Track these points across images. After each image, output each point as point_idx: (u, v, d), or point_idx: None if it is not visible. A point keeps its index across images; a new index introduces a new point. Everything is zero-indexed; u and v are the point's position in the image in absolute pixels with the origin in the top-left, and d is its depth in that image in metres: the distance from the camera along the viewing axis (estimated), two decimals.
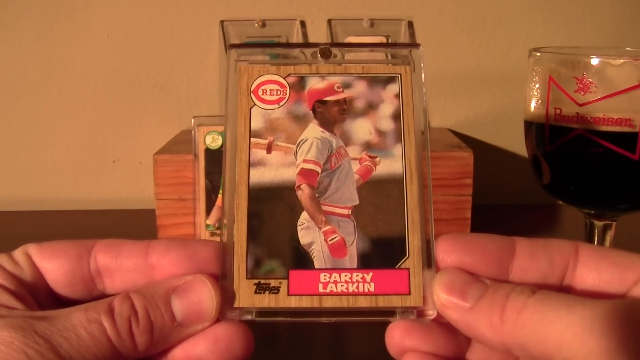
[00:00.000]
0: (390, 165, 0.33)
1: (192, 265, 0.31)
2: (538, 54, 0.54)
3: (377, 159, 0.33)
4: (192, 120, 0.67)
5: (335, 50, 0.35)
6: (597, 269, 0.30)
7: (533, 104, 0.54)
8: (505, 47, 0.81)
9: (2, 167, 0.81)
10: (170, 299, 0.29)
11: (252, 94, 0.33)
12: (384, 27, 0.79)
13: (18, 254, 0.32)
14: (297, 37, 0.79)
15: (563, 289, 0.31)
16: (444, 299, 0.29)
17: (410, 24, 0.80)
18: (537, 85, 0.53)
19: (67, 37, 0.79)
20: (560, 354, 0.26)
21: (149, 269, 0.31)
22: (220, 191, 0.66)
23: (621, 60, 0.50)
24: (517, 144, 0.80)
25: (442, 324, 0.31)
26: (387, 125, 0.34)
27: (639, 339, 0.24)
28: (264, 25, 0.79)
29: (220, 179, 0.65)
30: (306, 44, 0.36)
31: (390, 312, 0.31)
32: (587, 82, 0.50)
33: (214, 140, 0.66)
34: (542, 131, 0.52)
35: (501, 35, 0.81)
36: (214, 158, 0.66)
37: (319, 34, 0.79)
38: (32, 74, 0.80)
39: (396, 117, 0.34)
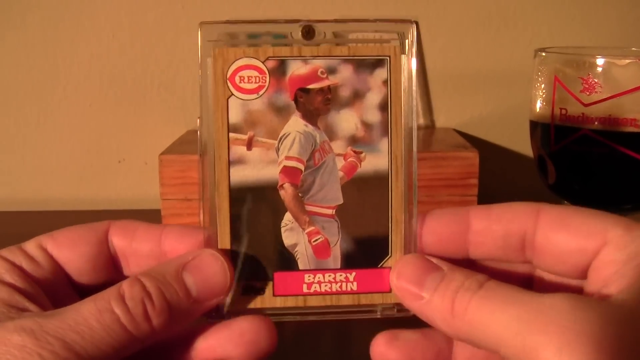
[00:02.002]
0: (375, 161, 0.31)
1: None
2: (543, 54, 0.54)
3: (363, 155, 0.31)
4: (198, 120, 0.67)
5: (322, 28, 0.33)
6: (556, 240, 0.29)
7: (538, 104, 0.54)
8: (511, 47, 0.81)
9: (7, 167, 0.82)
10: (182, 276, 0.29)
11: (228, 81, 0.31)
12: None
13: (32, 248, 0.31)
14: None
15: (525, 261, 0.31)
16: (401, 288, 0.29)
17: (415, 24, 0.80)
18: (543, 86, 0.53)
19: (72, 37, 0.79)
20: (501, 352, 0.26)
21: (163, 255, 0.31)
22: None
23: (627, 61, 0.50)
24: (522, 144, 0.80)
25: (424, 330, 0.31)
26: (374, 117, 0.32)
27: (573, 338, 0.23)
28: None
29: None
30: (287, 20, 0.35)
31: (372, 310, 0.31)
32: (593, 82, 0.50)
33: None
34: (547, 131, 0.52)
35: (506, 35, 0.81)
36: None
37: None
38: (37, 74, 0.80)
39: (383, 107, 0.31)
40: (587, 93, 0.50)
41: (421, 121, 0.81)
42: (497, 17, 0.80)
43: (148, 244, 0.31)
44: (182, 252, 0.30)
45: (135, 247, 0.32)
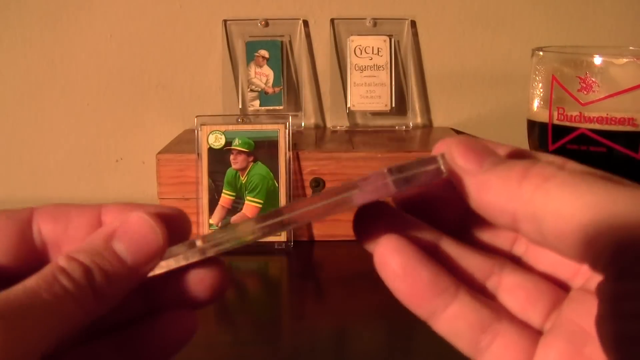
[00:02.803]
0: None
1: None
2: (541, 53, 0.54)
3: None
4: (195, 119, 0.67)
5: None
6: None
7: (536, 103, 0.54)
8: (508, 47, 0.81)
9: (4, 167, 0.82)
10: (112, 245, 0.27)
11: None
12: (386, 27, 0.79)
13: None
14: (300, 37, 0.79)
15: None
16: (458, 159, 0.26)
17: (413, 24, 0.80)
18: (540, 85, 0.53)
19: (70, 37, 0.79)
20: (579, 236, 0.23)
21: None
22: (226, 191, 0.66)
23: (624, 60, 0.50)
24: (520, 143, 0.80)
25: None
26: None
27: None
28: (267, 24, 0.79)
29: (224, 178, 0.66)
30: None
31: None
32: (590, 82, 0.50)
33: (217, 140, 0.66)
34: (545, 130, 0.52)
35: (504, 34, 0.81)
36: (217, 157, 0.66)
37: (322, 34, 0.79)
38: (34, 74, 0.80)
39: None
40: (585, 92, 0.50)
41: (419, 120, 0.81)
42: (495, 16, 0.80)
43: (86, 228, 0.29)
44: None
45: (71, 234, 0.29)
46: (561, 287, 0.28)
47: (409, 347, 0.49)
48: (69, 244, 0.29)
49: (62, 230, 0.29)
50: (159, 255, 0.28)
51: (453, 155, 0.26)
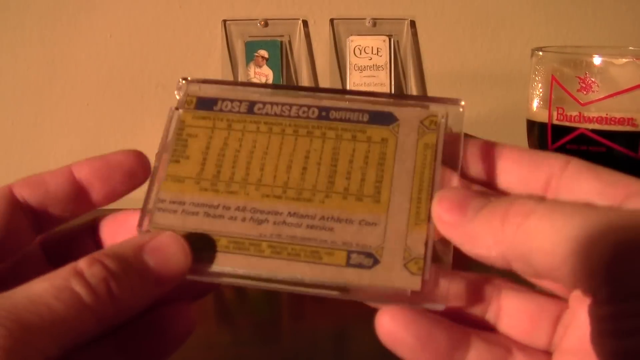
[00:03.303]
0: None
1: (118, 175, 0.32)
2: (541, 53, 0.54)
3: None
4: None
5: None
6: (585, 183, 0.27)
7: (535, 104, 0.54)
8: (508, 47, 0.81)
9: (4, 167, 0.81)
10: (142, 257, 0.27)
11: None
12: (386, 27, 0.79)
13: None
14: (299, 37, 0.79)
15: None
16: (443, 215, 0.27)
17: (412, 24, 0.80)
18: (540, 85, 0.53)
19: (69, 37, 0.79)
20: (567, 267, 0.23)
21: (83, 192, 0.31)
22: None
23: (624, 60, 0.50)
24: (519, 143, 0.79)
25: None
26: None
27: None
28: (266, 24, 0.79)
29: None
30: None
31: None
32: (590, 82, 0.50)
33: None
34: (544, 131, 0.52)
35: (504, 34, 0.81)
36: None
37: (321, 34, 0.79)
38: (34, 74, 0.80)
39: None
40: (584, 92, 0.50)
41: None
42: (494, 16, 0.80)
43: (64, 186, 0.31)
44: (96, 182, 0.31)
45: (53, 195, 0.30)
46: (560, 297, 0.28)
47: None
48: (54, 206, 0.30)
49: (43, 194, 0.30)
50: (184, 275, 0.28)
51: (439, 213, 0.27)
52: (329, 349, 0.50)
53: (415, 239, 0.28)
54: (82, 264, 0.25)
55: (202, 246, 0.29)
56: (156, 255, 0.27)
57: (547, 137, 0.52)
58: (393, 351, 0.27)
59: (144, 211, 0.31)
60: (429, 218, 0.28)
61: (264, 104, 0.32)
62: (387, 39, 0.77)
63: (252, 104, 0.32)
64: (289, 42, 0.79)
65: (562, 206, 0.24)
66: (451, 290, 0.28)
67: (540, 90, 0.53)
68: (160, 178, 0.33)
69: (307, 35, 0.79)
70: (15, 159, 0.81)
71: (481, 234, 0.26)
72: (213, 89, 0.35)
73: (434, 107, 0.33)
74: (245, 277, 0.28)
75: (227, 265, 0.28)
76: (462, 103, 0.33)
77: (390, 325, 0.27)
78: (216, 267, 0.28)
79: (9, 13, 0.78)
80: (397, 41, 0.79)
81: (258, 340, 0.51)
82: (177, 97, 0.36)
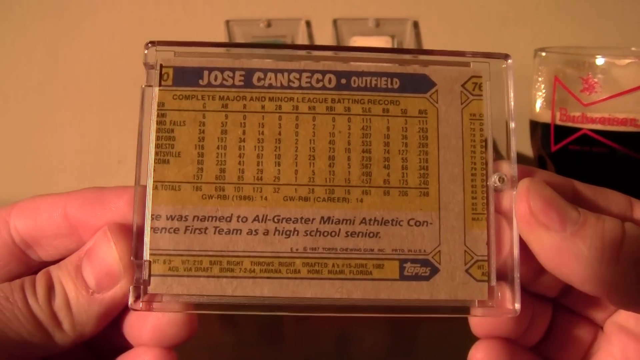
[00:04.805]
0: None
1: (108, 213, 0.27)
2: (544, 54, 0.54)
3: None
4: None
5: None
6: None
7: (538, 104, 0.54)
8: (511, 47, 0.81)
9: (7, 168, 0.82)
10: (81, 265, 0.25)
11: None
12: (389, 27, 0.79)
13: None
14: (302, 37, 0.79)
15: None
16: (539, 215, 0.23)
17: (415, 24, 0.80)
18: (543, 86, 0.53)
19: (72, 37, 0.79)
20: None
21: (73, 229, 0.27)
22: None
23: (627, 61, 0.50)
24: (522, 144, 0.80)
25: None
26: None
27: None
28: (269, 25, 0.79)
29: None
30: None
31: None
32: (593, 82, 0.50)
33: None
34: (547, 131, 0.52)
35: (507, 35, 0.81)
36: None
37: (324, 34, 0.79)
38: (37, 74, 0.80)
39: None
40: (588, 93, 0.50)
41: None
42: (498, 17, 0.80)
43: (54, 219, 0.27)
44: (87, 218, 0.26)
45: (40, 225, 0.27)
46: None
47: (412, 349, 0.49)
48: (42, 238, 0.27)
49: (33, 224, 0.27)
50: (118, 280, 0.24)
51: (534, 211, 0.24)
52: (333, 351, 0.50)
53: (475, 237, 0.24)
54: (39, 273, 0.25)
55: (219, 274, 0.24)
56: (92, 260, 0.25)
57: (549, 138, 0.52)
58: None
59: (138, 235, 0.24)
60: (487, 211, 0.24)
61: (265, 72, 0.25)
62: (390, 39, 0.77)
63: (249, 73, 0.25)
64: (292, 42, 0.79)
65: None
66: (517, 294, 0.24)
67: (543, 90, 0.53)
68: (147, 187, 0.25)
69: (310, 36, 0.79)
70: (18, 159, 0.82)
71: (587, 257, 0.22)
72: (194, 55, 0.26)
73: (475, 66, 0.26)
74: (284, 308, 0.23)
75: (256, 292, 0.23)
76: (509, 61, 0.26)
77: None
78: (242, 298, 0.23)
79: (12, 13, 0.78)
80: (400, 42, 0.79)
81: (261, 341, 0.51)
82: (147, 71, 0.27)
